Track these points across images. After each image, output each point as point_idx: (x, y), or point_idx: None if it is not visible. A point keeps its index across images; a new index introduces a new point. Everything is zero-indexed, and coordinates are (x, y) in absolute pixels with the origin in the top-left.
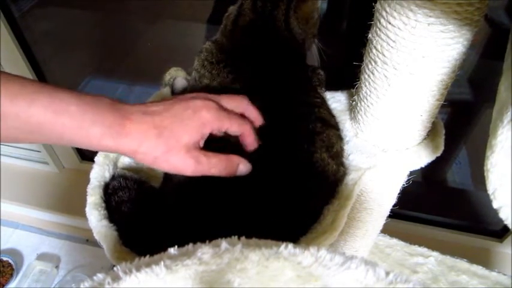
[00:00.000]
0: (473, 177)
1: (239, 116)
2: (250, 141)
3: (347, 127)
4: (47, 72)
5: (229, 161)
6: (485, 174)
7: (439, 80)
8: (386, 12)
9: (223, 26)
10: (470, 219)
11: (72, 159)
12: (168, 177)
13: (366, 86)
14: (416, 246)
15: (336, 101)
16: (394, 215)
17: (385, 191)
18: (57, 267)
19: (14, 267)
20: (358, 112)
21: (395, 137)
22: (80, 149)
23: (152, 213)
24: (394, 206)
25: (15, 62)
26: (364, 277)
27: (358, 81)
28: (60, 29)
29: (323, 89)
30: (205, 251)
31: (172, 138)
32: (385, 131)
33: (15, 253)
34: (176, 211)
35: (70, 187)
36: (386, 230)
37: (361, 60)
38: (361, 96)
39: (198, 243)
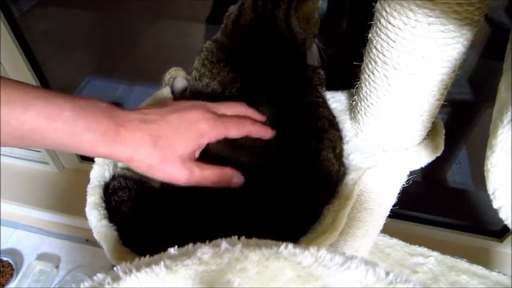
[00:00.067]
0: (473, 177)
1: (236, 120)
2: (260, 134)
3: (347, 127)
4: (47, 72)
5: (222, 174)
6: (485, 174)
7: (439, 80)
8: (386, 12)
9: (223, 25)
10: (470, 219)
11: (72, 159)
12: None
13: (366, 86)
14: (416, 246)
15: (336, 101)
16: (394, 215)
17: (385, 191)
18: (57, 267)
19: (14, 267)
20: (358, 112)
21: (395, 137)
22: None
23: (152, 213)
24: (394, 206)
25: (15, 62)
26: (364, 277)
27: (358, 81)
28: (60, 29)
29: (323, 88)
30: (205, 251)
31: (167, 148)
32: (385, 131)
33: (15, 253)
34: (176, 211)
35: (70, 187)
36: (386, 230)
37: (361, 60)
38: (361, 96)
39: (198, 243)
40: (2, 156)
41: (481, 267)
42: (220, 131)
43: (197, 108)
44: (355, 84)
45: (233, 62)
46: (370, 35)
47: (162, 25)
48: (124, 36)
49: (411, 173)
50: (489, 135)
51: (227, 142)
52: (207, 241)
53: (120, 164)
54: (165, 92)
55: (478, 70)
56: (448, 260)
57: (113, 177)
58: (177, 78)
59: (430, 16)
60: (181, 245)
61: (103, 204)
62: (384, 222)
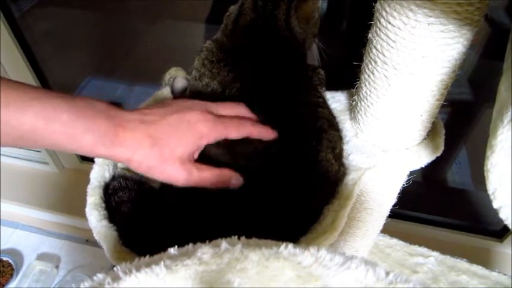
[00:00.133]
0: (473, 177)
1: (236, 121)
2: (260, 135)
3: (347, 127)
4: (47, 72)
5: (221, 176)
6: (485, 174)
7: (439, 80)
8: (386, 12)
9: (223, 25)
10: (470, 219)
11: (72, 159)
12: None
13: (366, 86)
14: (416, 246)
15: (336, 101)
16: (394, 215)
17: (385, 191)
18: (57, 267)
19: (14, 267)
20: (358, 112)
21: (395, 137)
22: None
23: (152, 214)
24: (394, 206)
25: (15, 62)
26: (364, 277)
27: (358, 81)
28: (60, 29)
29: (323, 88)
30: (205, 251)
31: (167, 148)
32: (385, 131)
33: (15, 253)
34: (176, 211)
35: (70, 187)
36: (386, 230)
37: (361, 60)
38: (361, 96)
39: (198, 243)
40: (2, 156)
41: (481, 267)
42: (220, 132)
43: (197, 108)
44: (355, 84)
45: (233, 62)
46: (370, 35)
47: (162, 25)
48: (124, 36)
49: (411, 173)
50: (489, 135)
51: (226, 146)
52: (207, 241)
53: (120, 165)
54: (165, 92)
55: (478, 70)
56: (448, 260)
57: (113, 178)
58: (177, 78)
59: (430, 16)
60: (181, 245)
61: (103, 205)
62: (384, 222)
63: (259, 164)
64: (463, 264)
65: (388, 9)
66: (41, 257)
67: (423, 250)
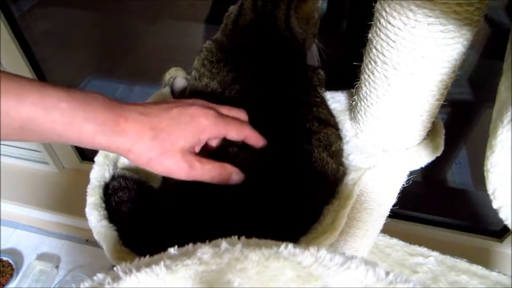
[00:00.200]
0: (473, 177)
1: (237, 122)
2: (255, 142)
3: (347, 127)
4: (47, 72)
5: (222, 169)
6: (485, 174)
7: (439, 80)
8: (386, 12)
9: (223, 25)
10: (470, 219)
11: (72, 159)
12: (167, 177)
13: (366, 86)
14: (416, 246)
15: (336, 101)
16: (394, 215)
17: (385, 191)
18: (57, 267)
19: (14, 267)
20: (358, 112)
21: (395, 137)
22: (80, 149)
23: (152, 214)
24: (394, 206)
25: (15, 62)
26: (364, 277)
27: (358, 81)
28: (60, 29)
29: (323, 89)
30: (205, 251)
31: (168, 141)
32: (385, 131)
33: (15, 253)
34: (176, 211)
35: (70, 187)
36: (386, 230)
37: (361, 60)
38: (361, 96)
39: (198, 243)
40: (2, 156)
41: (481, 267)
42: (220, 129)
43: (198, 104)
44: (355, 84)
45: (233, 62)
46: (370, 35)
47: (162, 25)
48: (124, 36)
49: (411, 173)
50: (489, 135)
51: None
52: (207, 241)
53: (119, 165)
54: (165, 92)
55: (478, 70)
56: (448, 260)
57: (113, 178)
58: (177, 78)
59: (430, 16)
60: (181, 245)
61: (103, 205)
62: (384, 222)
63: (259, 163)
64: (463, 264)
65: (388, 9)
66: (41, 257)
67: (423, 250)
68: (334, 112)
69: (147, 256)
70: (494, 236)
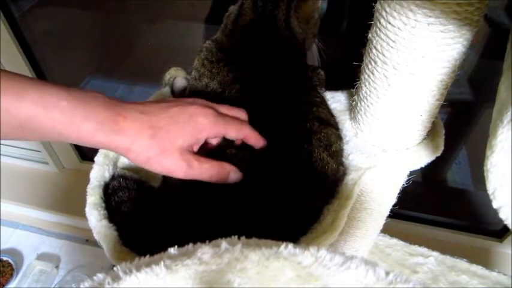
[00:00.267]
0: (473, 177)
1: (237, 121)
2: (255, 142)
3: (347, 127)
4: (47, 72)
5: (221, 168)
6: (485, 174)
7: (439, 80)
8: (386, 12)
9: (223, 25)
10: (470, 219)
11: (72, 159)
12: (167, 176)
13: (366, 86)
14: (416, 246)
15: (336, 101)
16: (394, 215)
17: (385, 191)
18: (57, 267)
19: (14, 267)
20: (358, 112)
21: (395, 137)
22: (80, 148)
23: (152, 213)
24: (394, 206)
25: (15, 62)
26: (364, 277)
27: (358, 81)
28: (60, 29)
29: (323, 88)
30: (205, 251)
31: (166, 139)
32: (385, 131)
33: (15, 253)
34: (176, 211)
35: (70, 187)
36: (386, 230)
37: (361, 60)
38: (361, 96)
39: (198, 243)
40: (2, 156)
41: (481, 267)
42: (219, 128)
43: (198, 103)
44: (355, 84)
45: (233, 62)
46: (370, 35)
47: (162, 25)
48: (124, 36)
49: (411, 173)
50: (489, 135)
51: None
52: (207, 241)
53: (119, 164)
54: (165, 92)
55: (478, 70)
56: (448, 260)
57: (113, 178)
58: (177, 78)
59: (430, 16)
60: (181, 245)
61: (103, 205)
62: (384, 222)
63: (259, 163)
64: (463, 264)
65: (388, 9)
66: (41, 257)
67: (423, 250)
68: (334, 112)
69: (147, 256)
70: (494, 236)
